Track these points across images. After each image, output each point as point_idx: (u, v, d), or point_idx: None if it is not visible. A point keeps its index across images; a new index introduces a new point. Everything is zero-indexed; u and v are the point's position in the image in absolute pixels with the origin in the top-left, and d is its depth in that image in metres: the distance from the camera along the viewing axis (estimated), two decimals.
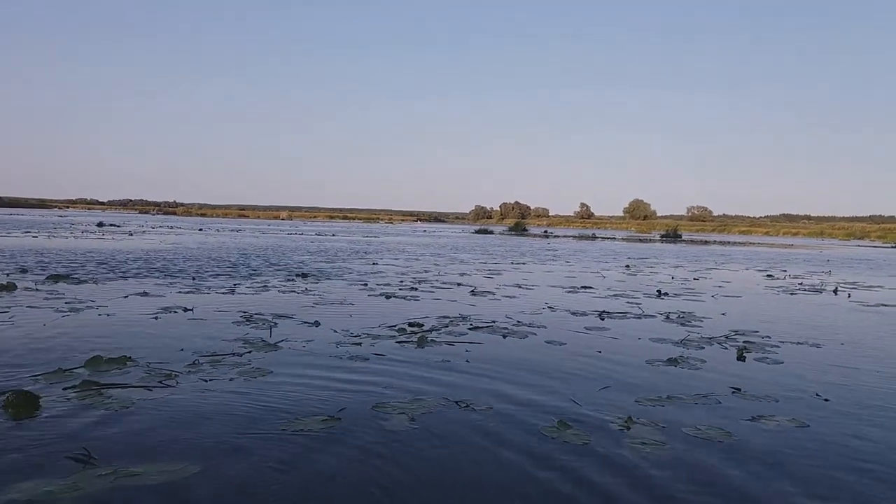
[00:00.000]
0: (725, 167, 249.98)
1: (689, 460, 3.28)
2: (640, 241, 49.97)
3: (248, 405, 3.89)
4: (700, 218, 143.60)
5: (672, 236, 57.88)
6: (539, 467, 3.11)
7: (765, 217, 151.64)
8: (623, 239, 52.90)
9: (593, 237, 54.27)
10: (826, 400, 4.54)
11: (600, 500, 2.78)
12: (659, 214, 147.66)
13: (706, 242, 49.06)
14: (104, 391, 4.04)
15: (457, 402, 4.10)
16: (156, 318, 6.86)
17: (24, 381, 4.18)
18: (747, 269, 18.93)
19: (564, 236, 54.20)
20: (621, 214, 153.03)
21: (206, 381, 4.42)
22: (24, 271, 10.90)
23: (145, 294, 8.70)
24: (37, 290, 8.70)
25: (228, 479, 2.86)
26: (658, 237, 59.74)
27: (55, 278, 9.92)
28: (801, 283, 14.42)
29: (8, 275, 10.21)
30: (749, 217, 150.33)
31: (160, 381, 4.31)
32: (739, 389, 4.73)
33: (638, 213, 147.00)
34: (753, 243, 52.32)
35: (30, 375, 4.35)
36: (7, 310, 6.95)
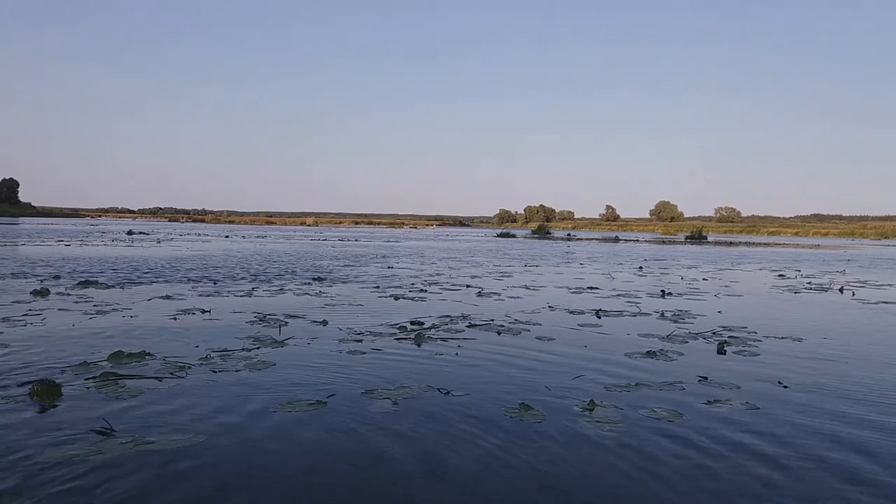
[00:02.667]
0: (755, 168, 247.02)
1: (633, 435, 3.66)
2: (664, 242, 49.90)
3: (248, 391, 4.36)
4: (728, 219, 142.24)
5: (697, 238, 57.63)
6: (487, 438, 3.53)
7: (795, 217, 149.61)
8: (647, 241, 52.86)
9: (616, 239, 54.28)
10: (785, 387, 4.88)
11: (540, 463, 3.18)
12: (686, 216, 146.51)
13: (731, 244, 48.83)
14: (121, 381, 4.53)
15: (438, 390, 4.52)
16: (175, 318, 7.39)
17: (52, 374, 4.68)
18: (761, 269, 19.06)
19: (587, 239, 54.32)
20: (648, 216, 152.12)
21: (215, 371, 4.90)
22: (56, 278, 11.56)
23: (168, 297, 9.25)
24: (68, 294, 9.31)
25: (225, 447, 3.35)
26: (683, 239, 59.50)
27: (85, 284, 10.54)
28: (809, 283, 14.58)
29: (42, 281, 10.86)
30: (779, 218, 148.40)
31: (171, 373, 4.80)
32: (706, 378, 5.09)
33: (664, 214, 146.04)
34: (780, 244, 51.92)
35: (58, 368, 4.87)
36: (40, 312, 7.53)
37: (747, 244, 48.92)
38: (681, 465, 3.24)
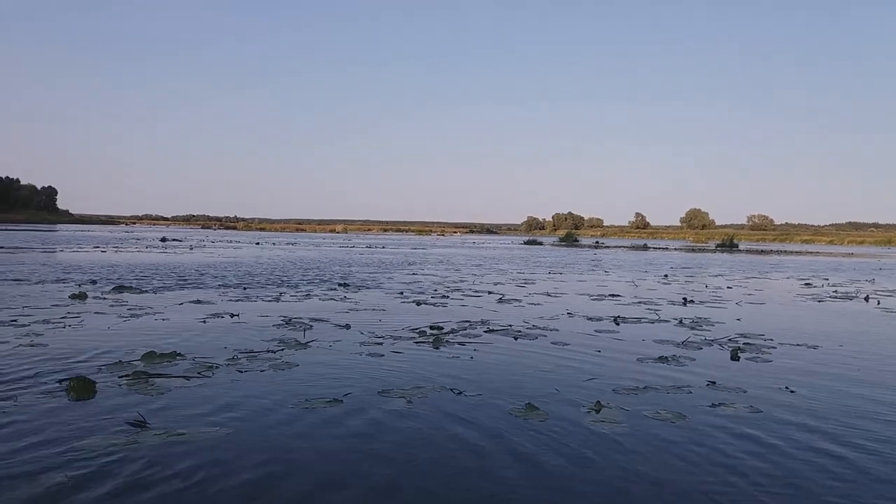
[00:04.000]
0: (789, 175, 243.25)
1: (633, 434, 3.83)
2: (694, 250, 49.48)
3: (271, 389, 4.62)
4: (761, 227, 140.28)
5: (728, 246, 57.00)
6: (490, 434, 3.74)
7: (830, 226, 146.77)
8: (676, 249, 52.45)
9: (645, 247, 53.94)
10: (792, 392, 4.98)
11: (535, 457, 3.37)
12: (718, 224, 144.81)
13: (762, 252, 48.29)
14: (153, 379, 4.82)
15: (452, 390, 4.73)
16: (204, 322, 7.70)
17: (87, 371, 4.98)
18: (788, 278, 18.93)
19: (615, 247, 54.06)
20: (679, 224, 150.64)
21: (241, 371, 5.17)
22: (93, 282, 12.02)
23: (198, 302, 9.60)
24: (104, 298, 9.71)
25: (250, 437, 3.62)
26: (713, 247, 58.91)
27: (120, 289, 10.95)
28: (835, 292, 14.49)
29: (80, 286, 11.30)
30: (813, 226, 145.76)
31: (200, 372, 5.08)
32: (714, 383, 5.21)
33: (695, 222, 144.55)
34: (812, 252, 51.15)
35: (93, 366, 5.18)
36: (78, 315, 7.90)
37: (778, 252, 48.32)
38: (673, 462, 3.40)
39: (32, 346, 5.94)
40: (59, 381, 4.65)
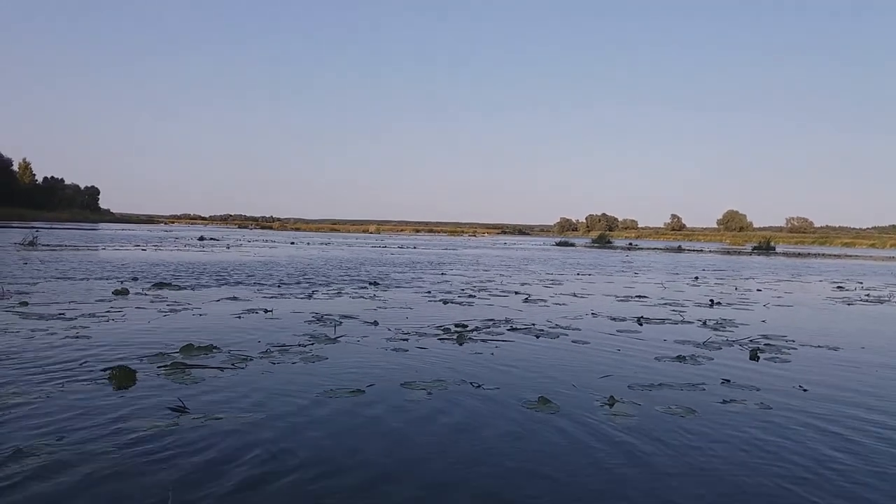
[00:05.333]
0: (829, 176, 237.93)
1: (641, 426, 4.01)
2: (729, 253, 48.87)
3: (300, 379, 4.90)
4: (800, 230, 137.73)
5: (764, 248, 56.15)
6: (501, 424, 3.96)
7: (872, 228, 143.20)
8: (712, 251, 51.83)
9: (679, 249, 53.44)
10: (804, 390, 5.10)
11: (540, 446, 3.57)
12: (756, 226, 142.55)
13: (799, 255, 47.48)
14: (190, 369, 5.13)
15: (471, 383, 4.96)
16: (240, 317, 8.04)
17: (129, 362, 5.30)
18: (820, 281, 18.73)
19: (649, 248, 53.63)
20: (715, 226, 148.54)
21: (273, 363, 5.46)
22: (134, 279, 12.51)
23: (234, 298, 9.97)
24: (145, 294, 10.14)
25: (281, 422, 3.90)
26: (750, 249, 58.08)
27: (160, 285, 11.41)
28: (867, 295, 14.34)
29: (122, 283, 11.79)
30: (854, 228, 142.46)
31: (234, 363, 5.38)
32: (729, 381, 5.35)
33: (732, 224, 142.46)
34: (851, 256, 50.16)
35: (134, 357, 5.52)
36: (121, 310, 8.30)
37: (817, 256, 47.48)
38: (674, 452, 3.57)
39: (78, 338, 6.31)
40: (103, 370, 4.98)
